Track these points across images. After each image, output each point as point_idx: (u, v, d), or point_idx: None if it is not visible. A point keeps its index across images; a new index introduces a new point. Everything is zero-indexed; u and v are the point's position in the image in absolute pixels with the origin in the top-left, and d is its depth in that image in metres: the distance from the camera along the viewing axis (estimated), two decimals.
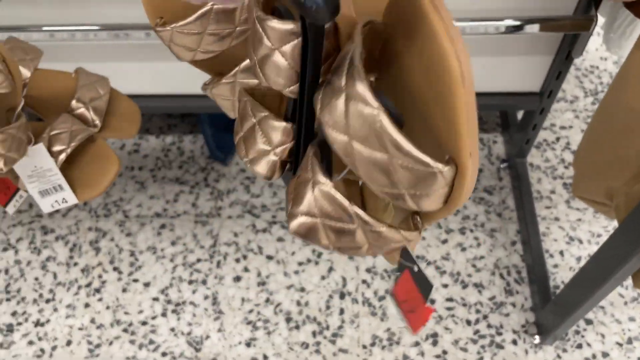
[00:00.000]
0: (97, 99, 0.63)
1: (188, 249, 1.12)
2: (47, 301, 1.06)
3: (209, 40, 0.42)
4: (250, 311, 1.05)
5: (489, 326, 1.02)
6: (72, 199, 0.59)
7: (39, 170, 0.56)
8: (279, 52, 0.33)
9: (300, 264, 1.10)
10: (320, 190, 0.34)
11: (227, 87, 0.47)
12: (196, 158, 1.24)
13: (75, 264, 1.11)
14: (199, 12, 0.40)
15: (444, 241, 1.11)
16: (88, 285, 1.08)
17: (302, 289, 1.07)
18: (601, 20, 0.83)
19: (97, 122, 0.63)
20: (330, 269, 1.09)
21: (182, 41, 0.42)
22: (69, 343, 1.02)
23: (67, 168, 0.59)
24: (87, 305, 1.06)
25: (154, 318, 1.04)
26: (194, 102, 1.00)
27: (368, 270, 1.08)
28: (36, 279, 1.09)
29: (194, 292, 1.07)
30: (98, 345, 1.02)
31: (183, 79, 0.95)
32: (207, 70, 0.49)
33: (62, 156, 0.57)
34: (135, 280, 1.08)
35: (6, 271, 1.10)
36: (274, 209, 1.16)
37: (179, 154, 1.24)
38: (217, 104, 0.50)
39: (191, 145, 1.26)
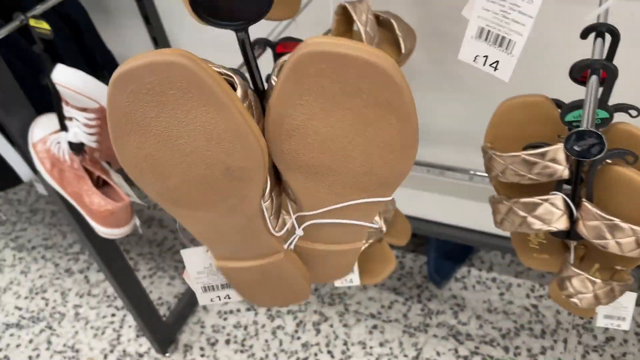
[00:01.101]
0: (388, 212, 0.83)
1: (393, 353, 1.24)
2: None
3: (511, 172, 0.59)
4: None
5: None
6: (357, 281, 0.78)
7: None
8: None
9: None
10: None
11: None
12: (414, 274, 1.39)
13: (299, 338, 1.30)
14: (515, 154, 0.58)
15: None
16: (305, 359, 1.26)
17: None
18: None
19: (384, 228, 0.82)
20: None
21: (494, 165, 0.59)
22: None
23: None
24: None
25: None
26: (458, 233, 1.18)
27: None
28: (266, 341, 1.31)
29: None
30: None
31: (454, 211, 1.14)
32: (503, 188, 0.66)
33: (362, 248, 0.77)
34: None
35: (245, 327, 1.34)
36: (477, 340, 1.24)
37: (399, 267, 1.41)
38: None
39: (411, 262, 1.42)
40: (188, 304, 1.39)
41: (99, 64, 1.06)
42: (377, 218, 0.82)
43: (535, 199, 0.58)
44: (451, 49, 0.96)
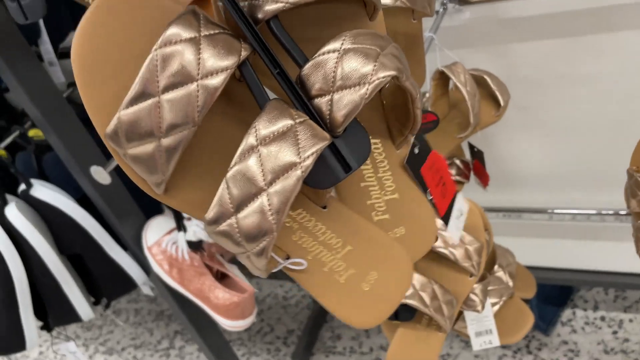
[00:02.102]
0: (510, 265, 0.81)
1: None
2: None
3: None
4: None
5: None
6: (496, 342, 0.75)
7: (479, 316, 0.74)
8: None
9: None
10: None
11: None
12: None
13: None
14: None
15: None
16: None
17: None
18: None
19: (510, 283, 0.80)
20: None
21: None
22: None
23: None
24: None
25: None
26: (557, 274, 1.14)
27: None
28: None
29: None
30: None
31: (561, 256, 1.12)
32: None
33: (496, 307, 0.75)
34: None
35: None
36: None
37: None
38: None
39: None
40: None
41: None
42: (501, 273, 0.81)
43: None
44: (533, 93, 0.97)
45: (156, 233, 0.88)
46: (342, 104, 0.31)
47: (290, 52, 0.32)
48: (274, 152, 0.29)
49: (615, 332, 1.25)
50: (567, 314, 1.33)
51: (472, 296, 0.67)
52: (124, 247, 0.92)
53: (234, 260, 0.90)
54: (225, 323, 0.84)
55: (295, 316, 1.58)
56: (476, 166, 0.77)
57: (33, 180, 0.88)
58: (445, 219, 0.44)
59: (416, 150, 0.42)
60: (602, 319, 1.29)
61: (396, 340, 0.66)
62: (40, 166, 0.96)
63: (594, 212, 1.09)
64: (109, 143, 0.31)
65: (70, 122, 0.78)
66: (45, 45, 0.82)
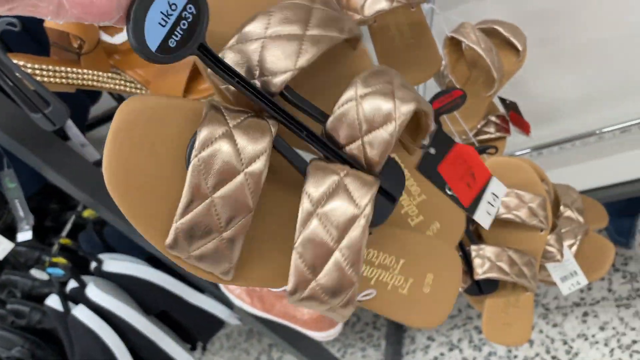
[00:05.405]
0: (575, 202, 0.80)
1: (619, 332, 1.17)
2: None
3: None
4: None
5: None
6: (584, 281, 0.75)
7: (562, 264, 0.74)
8: None
9: None
10: None
11: None
12: None
13: (515, 357, 1.26)
14: None
15: None
16: None
17: None
18: None
19: (581, 219, 0.79)
20: None
21: None
22: None
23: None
24: None
25: None
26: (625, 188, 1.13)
27: None
28: None
29: None
30: None
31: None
32: None
33: (574, 248, 0.74)
34: None
35: None
36: None
37: None
38: None
39: None
40: None
41: None
42: (569, 212, 0.80)
43: None
44: (550, 23, 0.94)
45: None
46: (375, 144, 0.32)
47: (309, 112, 0.33)
48: (333, 210, 0.30)
49: None
50: None
51: (549, 248, 0.67)
52: (202, 290, 0.96)
53: None
54: (317, 335, 0.87)
55: None
56: (513, 117, 0.76)
57: (102, 256, 0.92)
58: (472, 208, 0.45)
59: (432, 151, 0.43)
60: None
61: (487, 310, 0.67)
62: (103, 239, 1.00)
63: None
64: (171, 252, 0.31)
65: None
66: (72, 129, 0.85)
